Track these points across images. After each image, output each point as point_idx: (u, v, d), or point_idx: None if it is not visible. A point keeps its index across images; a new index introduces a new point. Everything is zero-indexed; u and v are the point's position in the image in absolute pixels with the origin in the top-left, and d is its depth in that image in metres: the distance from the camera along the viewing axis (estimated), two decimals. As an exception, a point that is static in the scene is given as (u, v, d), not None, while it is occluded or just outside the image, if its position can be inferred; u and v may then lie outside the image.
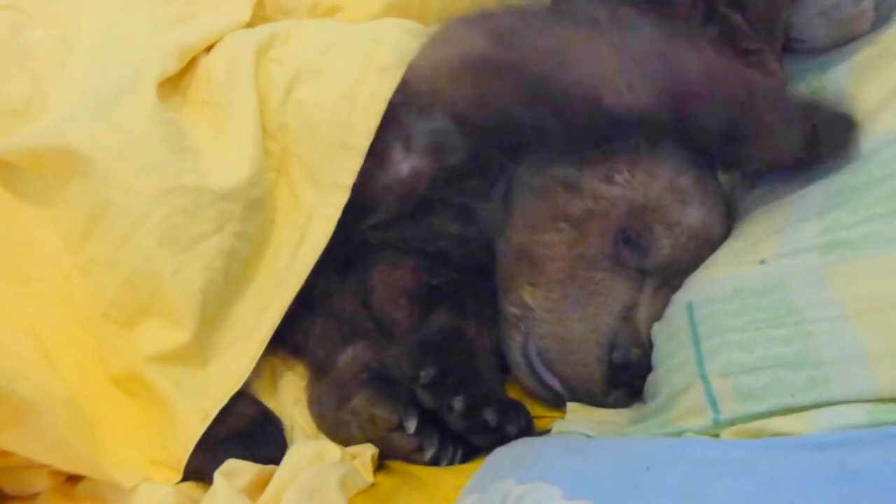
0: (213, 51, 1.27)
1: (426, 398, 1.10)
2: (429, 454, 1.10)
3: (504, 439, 1.06)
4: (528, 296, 1.14)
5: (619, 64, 1.06)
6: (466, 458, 1.11)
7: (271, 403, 1.26)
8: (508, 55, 1.11)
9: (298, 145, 1.20)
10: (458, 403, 1.07)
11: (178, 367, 1.12)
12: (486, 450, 1.07)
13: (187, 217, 1.13)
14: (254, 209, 1.18)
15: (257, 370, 1.26)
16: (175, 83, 1.25)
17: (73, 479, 1.13)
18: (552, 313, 1.11)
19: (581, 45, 1.09)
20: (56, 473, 1.11)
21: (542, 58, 1.09)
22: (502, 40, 1.13)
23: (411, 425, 1.10)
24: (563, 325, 1.10)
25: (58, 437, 1.03)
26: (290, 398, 1.27)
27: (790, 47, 1.44)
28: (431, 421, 1.11)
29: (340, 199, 1.17)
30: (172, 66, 1.23)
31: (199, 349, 1.13)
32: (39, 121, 1.19)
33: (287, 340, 1.31)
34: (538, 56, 1.09)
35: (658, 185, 1.11)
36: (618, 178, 1.11)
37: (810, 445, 0.79)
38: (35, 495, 1.11)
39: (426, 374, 1.10)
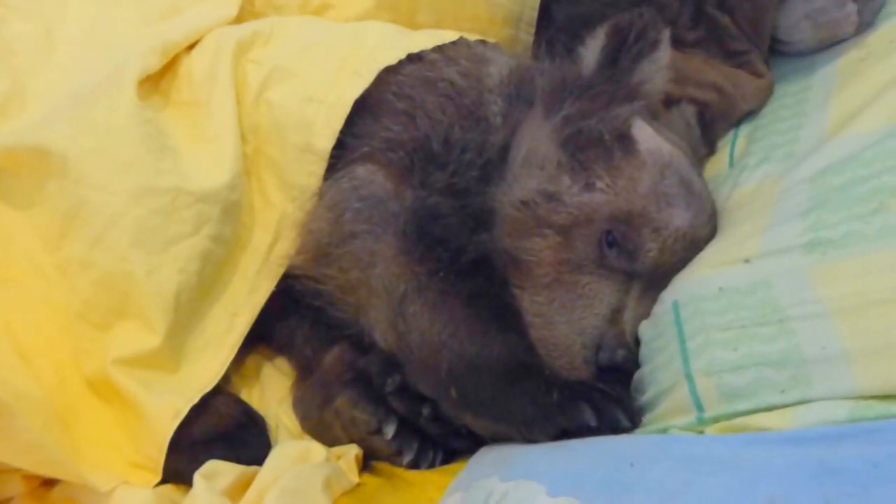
0: (196, 49, 1.27)
1: (396, 404, 1.11)
2: (407, 458, 1.10)
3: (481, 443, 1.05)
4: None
5: None
6: (447, 462, 1.11)
7: (256, 403, 1.25)
8: None
9: (268, 147, 1.20)
10: (426, 409, 1.08)
11: (147, 370, 1.11)
12: (466, 453, 1.07)
13: (163, 218, 1.13)
14: (231, 212, 1.18)
15: (241, 369, 1.27)
16: (156, 81, 1.24)
17: (49, 482, 1.12)
18: (539, 317, 1.10)
19: None
20: (30, 477, 1.10)
21: None
22: None
23: (390, 430, 1.10)
24: (549, 328, 1.09)
25: (31, 439, 1.01)
26: (275, 397, 1.26)
27: (777, 49, 1.46)
28: (412, 425, 1.10)
29: (308, 202, 1.17)
30: (155, 63, 1.22)
31: (170, 353, 1.13)
32: (17, 118, 1.17)
33: (273, 339, 1.30)
34: None
35: (641, 189, 1.11)
36: (599, 184, 1.11)
37: (791, 440, 0.79)
38: (8, 500, 1.10)
39: (392, 382, 1.10)
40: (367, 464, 1.14)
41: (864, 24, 1.36)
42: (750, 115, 1.39)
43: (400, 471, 1.09)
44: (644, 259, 1.10)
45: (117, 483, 1.07)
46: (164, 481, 1.10)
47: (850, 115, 1.11)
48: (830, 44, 1.38)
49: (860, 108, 1.11)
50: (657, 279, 1.09)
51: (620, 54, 1.16)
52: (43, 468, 1.06)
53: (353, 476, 1.09)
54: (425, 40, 1.28)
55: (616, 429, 0.94)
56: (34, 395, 1.04)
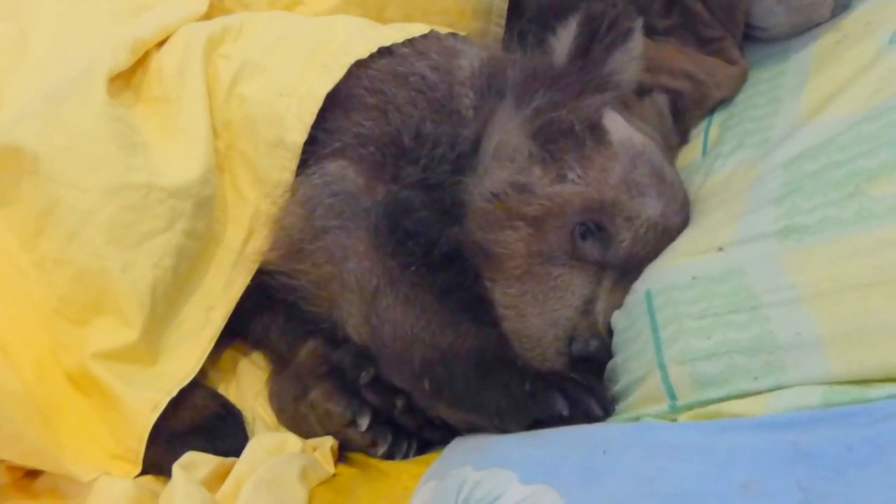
0: (166, 46, 1.26)
1: (370, 397, 1.11)
2: (381, 449, 1.10)
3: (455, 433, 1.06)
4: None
5: None
6: (421, 452, 1.12)
7: (232, 396, 1.26)
8: None
9: (241, 141, 1.20)
10: (400, 401, 1.09)
11: (125, 364, 1.11)
12: (440, 444, 1.07)
13: (136, 214, 1.13)
14: (204, 207, 1.18)
15: (217, 364, 1.27)
16: (127, 78, 1.24)
17: (32, 473, 1.14)
18: (511, 309, 1.10)
19: None
20: (14, 468, 1.12)
21: None
22: None
23: (364, 422, 1.11)
24: (522, 320, 1.10)
25: (12, 430, 1.03)
26: (251, 391, 1.27)
27: (751, 35, 1.45)
28: (386, 417, 1.11)
29: (281, 197, 1.17)
30: (125, 60, 1.22)
31: (147, 347, 1.13)
32: None
33: (249, 333, 1.30)
34: None
35: (613, 179, 1.11)
36: (570, 175, 1.11)
37: (764, 426, 0.80)
38: (-7, 490, 1.11)
39: (366, 375, 1.10)
40: (342, 455, 1.14)
41: (840, 7, 1.35)
42: (724, 102, 1.39)
43: (375, 461, 1.10)
44: (616, 249, 1.10)
45: (98, 474, 1.08)
46: (143, 472, 1.11)
47: (826, 100, 1.11)
48: (806, 28, 1.38)
49: (835, 92, 1.11)
50: (630, 269, 1.10)
51: (592, 44, 1.16)
52: (25, 459, 1.08)
53: (329, 466, 1.10)
54: (396, 34, 1.27)
55: (588, 418, 0.94)
56: (14, 389, 1.06)
